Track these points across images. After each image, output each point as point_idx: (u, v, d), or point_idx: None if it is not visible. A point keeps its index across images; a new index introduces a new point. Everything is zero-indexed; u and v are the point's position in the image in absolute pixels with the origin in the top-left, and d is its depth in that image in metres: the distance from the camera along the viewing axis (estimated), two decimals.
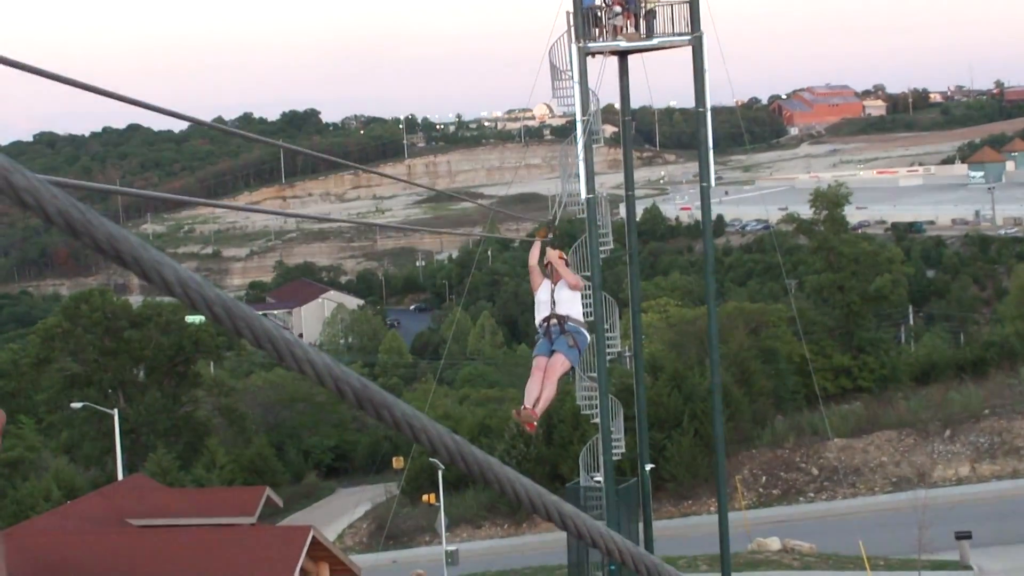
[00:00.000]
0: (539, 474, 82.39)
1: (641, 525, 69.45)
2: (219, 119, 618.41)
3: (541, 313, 29.15)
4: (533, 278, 29.97)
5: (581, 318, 29.69)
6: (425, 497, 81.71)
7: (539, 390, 28.36)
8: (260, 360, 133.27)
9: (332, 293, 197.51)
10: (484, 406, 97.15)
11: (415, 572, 73.46)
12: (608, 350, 64.79)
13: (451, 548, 76.48)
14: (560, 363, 29.07)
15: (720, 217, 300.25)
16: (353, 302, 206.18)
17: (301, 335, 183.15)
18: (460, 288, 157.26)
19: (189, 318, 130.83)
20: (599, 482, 65.50)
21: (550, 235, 31.78)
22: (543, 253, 30.34)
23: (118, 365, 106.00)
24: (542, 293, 29.38)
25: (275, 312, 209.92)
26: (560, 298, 29.09)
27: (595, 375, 63.85)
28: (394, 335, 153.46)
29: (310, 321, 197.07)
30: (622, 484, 68.84)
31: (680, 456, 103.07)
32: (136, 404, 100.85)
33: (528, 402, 27.94)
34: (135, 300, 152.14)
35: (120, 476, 77.46)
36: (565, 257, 30.78)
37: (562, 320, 28.76)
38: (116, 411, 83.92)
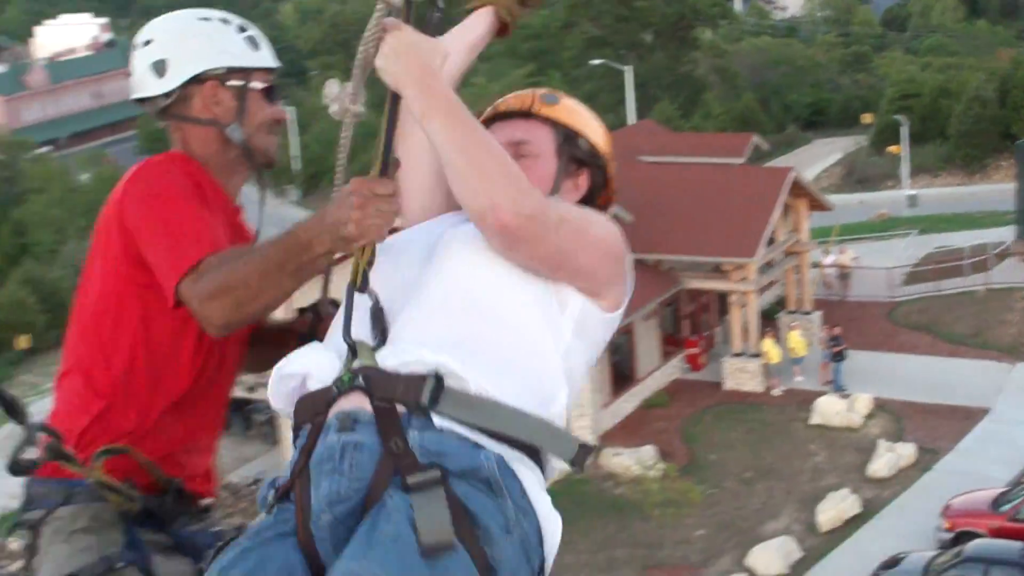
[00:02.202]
0: (992, 132, 79.85)
1: None
2: None
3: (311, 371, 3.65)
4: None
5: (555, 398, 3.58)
6: (890, 148, 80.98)
7: None
8: (749, 29, 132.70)
9: None
10: (944, 72, 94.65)
11: (879, 211, 73.67)
12: None
13: (912, 192, 76.37)
14: None
15: None
16: None
17: (786, 7, 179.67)
18: None
19: None
20: None
21: None
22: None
23: (630, 29, 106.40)
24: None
25: None
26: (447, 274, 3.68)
27: None
28: (866, 10, 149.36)
29: None
30: None
31: None
32: (645, 63, 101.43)
33: None
34: None
35: (631, 122, 78.61)
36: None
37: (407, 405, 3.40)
38: (629, 68, 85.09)
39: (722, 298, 48.91)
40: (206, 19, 4.65)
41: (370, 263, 3.57)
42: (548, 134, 3.87)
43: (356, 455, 3.28)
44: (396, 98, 3.51)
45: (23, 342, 63.26)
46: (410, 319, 3.51)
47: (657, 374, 47.67)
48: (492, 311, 3.50)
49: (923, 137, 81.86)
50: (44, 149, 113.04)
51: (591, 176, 3.96)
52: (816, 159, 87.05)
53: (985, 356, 48.17)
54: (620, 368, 45.64)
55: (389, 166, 3.60)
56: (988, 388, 45.58)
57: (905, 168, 77.93)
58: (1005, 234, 59.36)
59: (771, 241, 47.40)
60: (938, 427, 43.02)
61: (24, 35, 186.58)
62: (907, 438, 42.19)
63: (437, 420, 3.29)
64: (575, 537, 37.86)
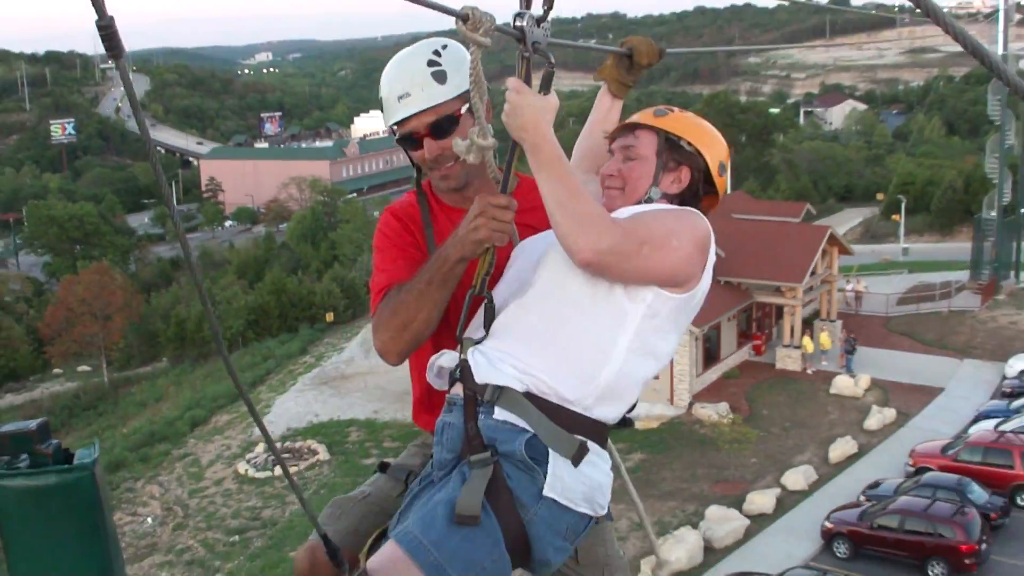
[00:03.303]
0: (959, 209, 77.16)
1: None
2: None
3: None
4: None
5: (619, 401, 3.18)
6: (893, 216, 79.41)
7: None
8: (807, 135, 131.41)
9: (850, 101, 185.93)
10: (930, 169, 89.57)
11: (883, 257, 72.30)
12: None
13: (905, 246, 74.05)
14: None
15: None
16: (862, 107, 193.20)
17: (831, 123, 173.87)
18: None
19: (772, 109, 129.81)
20: None
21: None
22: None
23: (731, 132, 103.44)
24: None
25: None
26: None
27: None
28: (883, 127, 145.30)
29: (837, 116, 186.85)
30: None
31: None
32: (739, 154, 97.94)
33: None
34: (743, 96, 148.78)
35: (728, 192, 78.21)
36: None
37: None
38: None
39: (778, 308, 48.60)
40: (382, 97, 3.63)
41: (488, 272, 3.16)
42: (652, 139, 3.29)
43: (449, 432, 3.06)
44: (515, 144, 3.02)
45: (329, 317, 64.07)
46: (506, 317, 3.08)
47: (733, 356, 47.33)
48: (565, 314, 2.99)
49: (915, 210, 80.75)
50: (352, 195, 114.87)
51: (692, 171, 3.30)
52: (845, 221, 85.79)
53: (944, 354, 47.38)
54: (710, 351, 45.54)
55: (507, 185, 3.19)
56: (944, 375, 44.96)
57: (902, 230, 76.70)
58: (962, 276, 58.45)
59: (813, 272, 47.16)
60: (911, 399, 42.36)
61: (347, 122, 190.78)
62: (891, 405, 41.61)
63: (497, 412, 2.95)
64: (671, 459, 37.81)
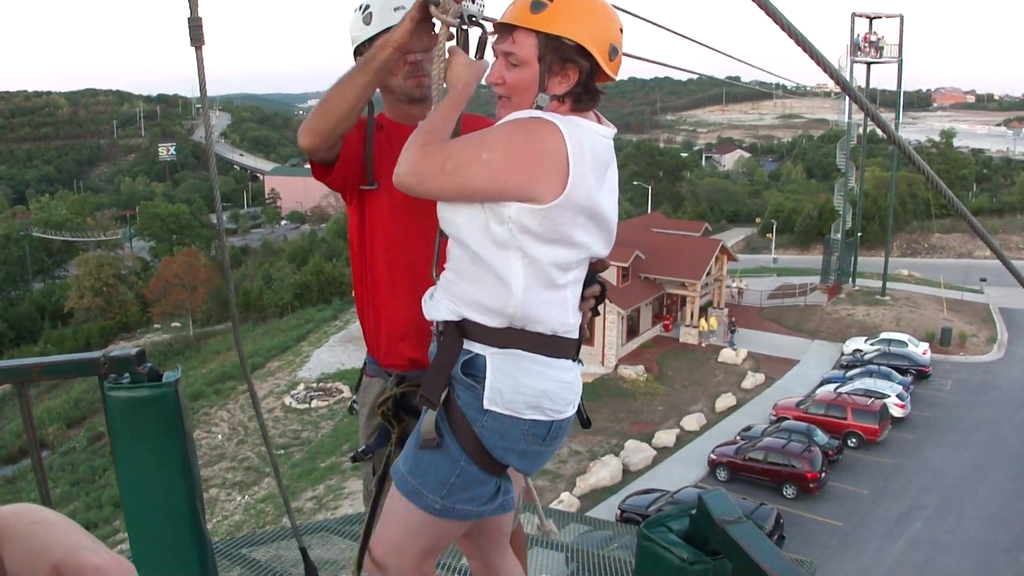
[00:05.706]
0: (814, 231, 76.12)
1: None
2: None
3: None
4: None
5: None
6: (767, 235, 79.89)
7: None
8: (708, 173, 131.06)
9: (739, 151, 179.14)
10: (794, 201, 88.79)
11: (759, 264, 72.66)
12: None
13: (775, 256, 74.87)
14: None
15: None
16: None
17: (725, 165, 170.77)
18: None
19: (682, 154, 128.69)
20: None
21: None
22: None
23: (652, 168, 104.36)
24: None
25: None
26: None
27: None
28: (761, 171, 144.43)
29: None
30: None
31: None
32: (658, 184, 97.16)
33: None
34: None
35: (649, 212, 78.01)
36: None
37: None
38: (650, 187, 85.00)
39: (682, 298, 48.06)
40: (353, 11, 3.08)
41: None
42: (532, 41, 2.32)
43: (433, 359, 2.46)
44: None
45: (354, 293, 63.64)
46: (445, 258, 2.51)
47: (649, 331, 46.76)
48: (466, 249, 2.37)
49: (782, 231, 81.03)
50: None
51: (580, 67, 2.33)
52: (733, 236, 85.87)
53: (800, 336, 47.27)
54: (631, 327, 45.11)
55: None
56: (800, 351, 44.83)
57: (773, 245, 77.06)
58: (815, 279, 58.57)
59: (708, 272, 46.97)
60: (776, 367, 42.25)
61: None
62: (761, 371, 41.47)
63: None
64: (601, 405, 37.37)
